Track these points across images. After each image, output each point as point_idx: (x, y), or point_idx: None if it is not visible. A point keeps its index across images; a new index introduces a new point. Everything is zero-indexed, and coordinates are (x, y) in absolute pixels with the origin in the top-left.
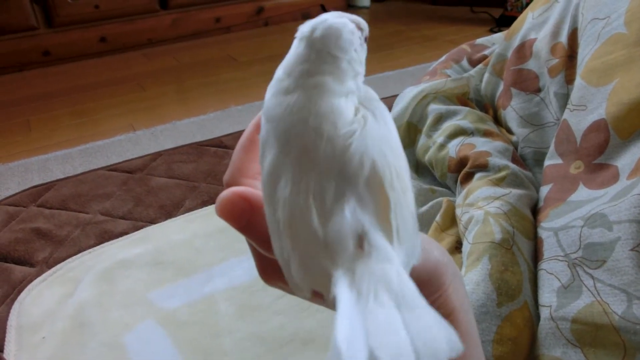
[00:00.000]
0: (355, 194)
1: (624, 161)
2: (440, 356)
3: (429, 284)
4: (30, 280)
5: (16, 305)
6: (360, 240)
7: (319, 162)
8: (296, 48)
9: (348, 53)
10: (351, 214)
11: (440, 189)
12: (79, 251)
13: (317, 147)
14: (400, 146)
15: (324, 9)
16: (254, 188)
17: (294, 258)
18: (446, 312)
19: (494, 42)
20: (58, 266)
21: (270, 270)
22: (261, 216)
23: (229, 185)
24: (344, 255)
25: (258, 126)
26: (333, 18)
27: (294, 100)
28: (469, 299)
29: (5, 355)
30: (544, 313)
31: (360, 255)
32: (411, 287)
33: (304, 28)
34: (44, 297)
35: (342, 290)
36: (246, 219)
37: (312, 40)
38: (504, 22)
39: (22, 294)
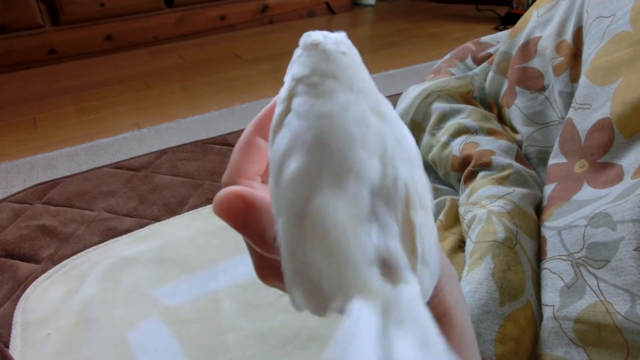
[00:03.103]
0: (382, 214)
1: (629, 160)
2: None
3: None
4: (36, 277)
5: (21, 302)
6: (385, 264)
7: (352, 173)
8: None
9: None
10: (377, 235)
11: (443, 187)
12: (84, 248)
13: (351, 155)
14: (419, 156)
15: (329, 7)
16: (251, 189)
17: (300, 276)
18: (441, 312)
19: (499, 41)
20: (63, 263)
21: (267, 270)
22: (258, 215)
23: (227, 185)
24: (368, 279)
25: (257, 127)
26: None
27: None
28: (464, 299)
29: (10, 350)
30: (547, 312)
31: (384, 281)
32: (432, 324)
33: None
34: (49, 294)
35: (364, 313)
36: (243, 217)
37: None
38: (510, 19)
39: (28, 291)
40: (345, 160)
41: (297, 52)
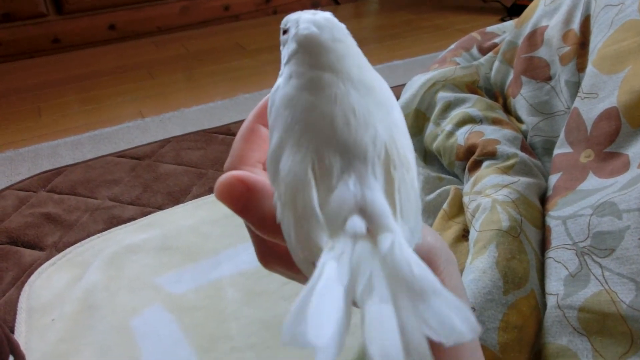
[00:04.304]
0: (360, 169)
1: (635, 150)
2: (462, 338)
3: None
4: (40, 264)
5: (26, 288)
6: (362, 212)
7: (325, 136)
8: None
9: None
10: (354, 186)
11: (448, 176)
12: (88, 236)
13: (329, 123)
14: (404, 123)
15: (336, 1)
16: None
17: (292, 227)
18: None
19: (505, 30)
20: (67, 250)
21: (269, 255)
22: (258, 199)
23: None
24: (341, 226)
25: (258, 115)
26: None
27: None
28: (463, 284)
29: (15, 336)
30: (551, 301)
31: (360, 223)
32: (418, 264)
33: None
34: (53, 281)
35: (330, 266)
36: (244, 201)
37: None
38: (516, 11)
39: (32, 277)
40: (316, 129)
41: (292, 45)
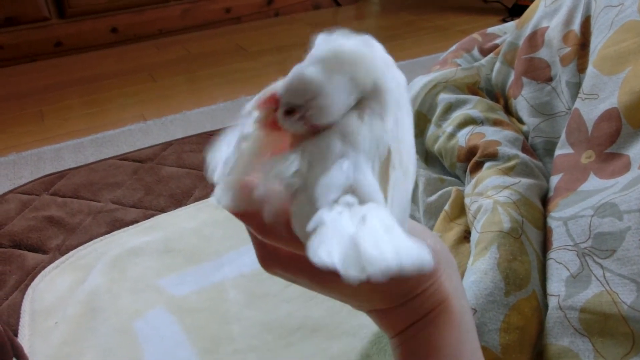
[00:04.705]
0: (358, 159)
1: (636, 150)
2: (422, 264)
3: None
4: (43, 267)
5: (29, 291)
6: (353, 190)
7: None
8: None
9: None
10: (347, 169)
11: (449, 178)
12: (91, 239)
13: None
14: (412, 138)
15: (335, 0)
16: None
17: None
18: (439, 299)
19: (506, 31)
20: (70, 253)
21: (269, 258)
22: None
23: None
24: (333, 196)
25: None
26: None
27: None
28: (463, 286)
29: (19, 339)
30: (552, 302)
31: (352, 198)
32: (392, 220)
33: None
34: (56, 284)
35: (331, 214)
36: (242, 205)
37: None
38: (517, 11)
39: (36, 280)
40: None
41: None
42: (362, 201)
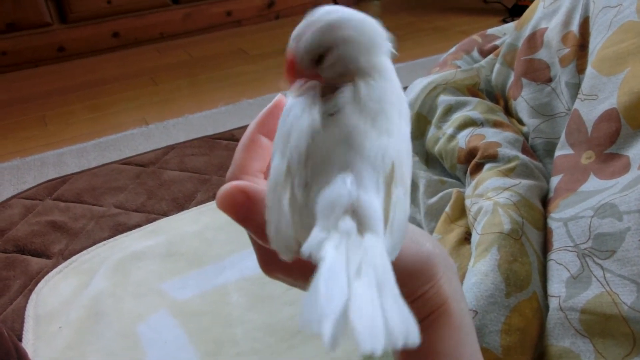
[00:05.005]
0: (362, 172)
1: (636, 151)
2: (407, 339)
3: (421, 274)
4: (47, 272)
5: (33, 296)
6: (354, 211)
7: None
8: None
9: None
10: (350, 185)
11: (450, 180)
12: (94, 243)
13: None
14: (410, 147)
15: (335, 2)
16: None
17: (280, 215)
18: (439, 302)
19: (505, 32)
20: (73, 258)
21: (271, 262)
22: (259, 208)
23: (230, 182)
24: (334, 220)
25: (260, 125)
26: None
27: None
28: (462, 289)
29: (23, 344)
30: (553, 303)
31: (351, 223)
32: (390, 273)
33: None
34: (60, 288)
35: (329, 251)
36: (245, 211)
37: None
38: (517, 12)
39: (39, 285)
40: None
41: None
42: (361, 226)
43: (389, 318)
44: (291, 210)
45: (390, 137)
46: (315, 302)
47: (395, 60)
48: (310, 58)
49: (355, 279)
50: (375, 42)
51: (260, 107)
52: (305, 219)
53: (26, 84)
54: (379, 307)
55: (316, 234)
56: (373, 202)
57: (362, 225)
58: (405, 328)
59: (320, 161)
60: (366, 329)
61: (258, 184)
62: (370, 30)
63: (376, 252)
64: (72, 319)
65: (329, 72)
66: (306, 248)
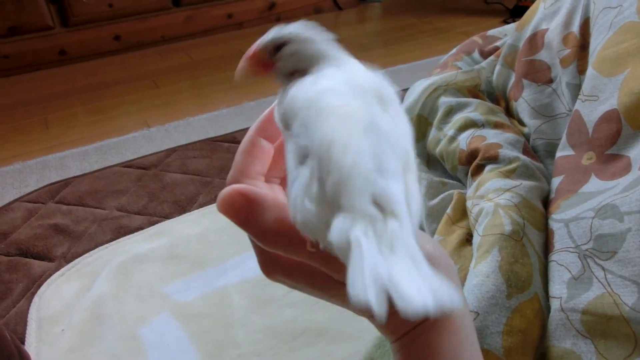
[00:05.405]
0: (390, 166)
1: (636, 151)
2: (454, 305)
3: None
4: (49, 275)
5: (36, 299)
6: (376, 197)
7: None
8: None
9: None
10: (370, 172)
11: (451, 181)
12: (96, 246)
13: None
14: (411, 135)
15: (336, 4)
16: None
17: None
18: None
19: (506, 34)
20: (76, 261)
21: (271, 265)
22: (259, 212)
23: (231, 185)
24: (357, 205)
25: (260, 129)
26: None
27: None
28: (463, 291)
29: (26, 347)
30: (554, 304)
31: (375, 210)
32: (420, 252)
33: None
34: (62, 291)
35: (359, 236)
36: (245, 214)
37: None
38: (518, 12)
39: (42, 288)
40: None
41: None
42: (385, 212)
43: (432, 283)
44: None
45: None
46: (360, 275)
47: (396, 61)
48: (271, 48)
49: (391, 256)
50: (326, 39)
51: (262, 110)
52: (325, 208)
53: (28, 88)
54: (419, 275)
55: (341, 221)
56: (394, 187)
57: (386, 211)
58: (448, 292)
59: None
60: (414, 290)
61: (258, 187)
62: (320, 32)
63: (404, 234)
64: (74, 321)
65: (285, 62)
66: (333, 236)
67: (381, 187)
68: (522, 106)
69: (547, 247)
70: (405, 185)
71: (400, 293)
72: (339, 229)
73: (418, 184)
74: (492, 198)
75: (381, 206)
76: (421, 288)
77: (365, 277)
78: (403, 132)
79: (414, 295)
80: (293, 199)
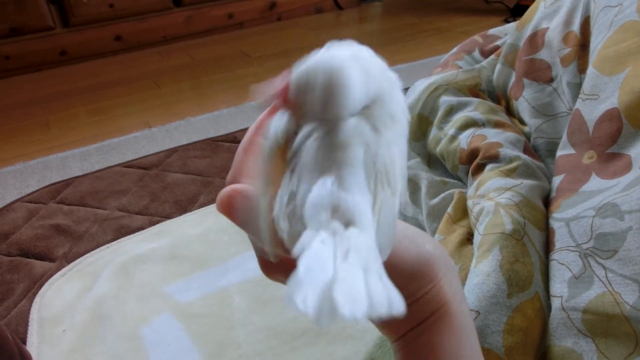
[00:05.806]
0: (345, 174)
1: (637, 150)
2: (393, 311)
3: (421, 276)
4: (51, 275)
5: (37, 299)
6: (337, 210)
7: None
8: None
9: None
10: (331, 186)
11: (451, 180)
12: (97, 246)
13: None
14: (405, 155)
15: (337, 3)
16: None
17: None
18: (439, 303)
19: (506, 33)
20: (77, 261)
21: (271, 265)
22: (258, 211)
23: (230, 185)
24: (319, 219)
25: (259, 128)
26: None
27: None
28: (463, 292)
29: (27, 347)
30: (555, 303)
31: (336, 222)
32: (377, 258)
33: None
34: (63, 291)
35: (315, 244)
36: (244, 214)
37: None
38: (519, 11)
39: (43, 288)
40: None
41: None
42: (346, 223)
43: (372, 290)
44: (281, 217)
45: (380, 138)
46: (301, 280)
47: (397, 61)
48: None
49: (342, 263)
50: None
51: (262, 110)
52: (295, 225)
53: (29, 88)
54: (363, 281)
55: (306, 235)
56: (355, 199)
57: (347, 222)
58: (389, 298)
59: (305, 169)
60: (347, 297)
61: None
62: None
63: (361, 241)
64: (76, 321)
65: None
66: (297, 249)
67: (341, 199)
68: (523, 105)
69: (547, 246)
70: (373, 197)
71: (336, 305)
72: (301, 242)
73: (396, 198)
74: (493, 197)
75: (342, 217)
76: (358, 296)
77: (304, 282)
78: (389, 154)
79: (345, 301)
80: (275, 218)
